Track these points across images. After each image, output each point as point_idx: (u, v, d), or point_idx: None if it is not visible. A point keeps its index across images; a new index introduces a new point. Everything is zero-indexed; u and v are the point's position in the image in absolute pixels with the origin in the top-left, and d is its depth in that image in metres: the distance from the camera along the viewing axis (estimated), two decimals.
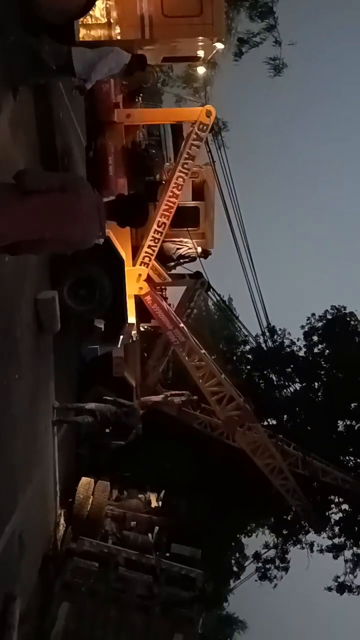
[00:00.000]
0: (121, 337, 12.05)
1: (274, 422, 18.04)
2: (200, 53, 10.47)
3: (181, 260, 13.03)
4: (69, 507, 11.72)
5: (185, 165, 10.91)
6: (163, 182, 11.54)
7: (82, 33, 9.41)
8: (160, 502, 13.09)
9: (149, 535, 11.75)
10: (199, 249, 13.02)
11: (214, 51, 10.39)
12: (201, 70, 14.03)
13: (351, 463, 18.14)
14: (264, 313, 14.99)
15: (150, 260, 11.40)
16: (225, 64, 18.63)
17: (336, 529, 18.04)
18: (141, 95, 12.52)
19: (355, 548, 18.07)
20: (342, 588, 18.18)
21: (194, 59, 11.04)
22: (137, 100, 12.71)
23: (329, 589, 18.40)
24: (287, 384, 19.21)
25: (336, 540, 18.14)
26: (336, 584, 18.24)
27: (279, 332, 19.48)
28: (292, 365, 19.21)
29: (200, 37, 9.73)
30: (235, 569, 20.14)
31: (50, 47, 7.46)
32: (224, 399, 13.09)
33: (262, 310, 14.57)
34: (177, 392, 14.81)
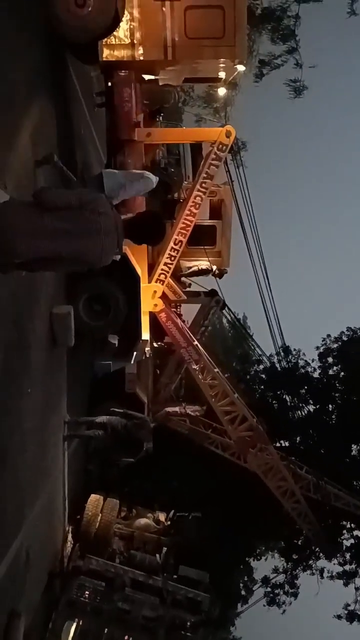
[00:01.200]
0: (134, 353, 12.02)
1: (287, 443, 17.81)
2: (222, 74, 10.55)
3: (196, 272, 12.93)
4: (77, 524, 11.62)
5: (203, 185, 10.94)
6: (181, 200, 11.58)
7: (106, 53, 9.56)
8: (169, 522, 12.93)
9: (157, 555, 11.59)
10: (214, 267, 13.02)
11: (235, 73, 10.46)
12: (222, 90, 14.15)
13: None
14: (279, 332, 14.88)
15: (166, 277, 11.40)
16: (245, 85, 18.82)
17: (347, 555, 17.65)
18: (162, 114, 12.64)
19: None
20: (352, 616, 17.74)
21: (215, 80, 11.13)
22: (157, 119, 12.83)
23: (339, 617, 17.96)
24: (300, 405, 19.00)
25: (347, 567, 17.75)
26: (346, 612, 17.82)
27: (294, 353, 19.35)
28: (306, 387, 19.01)
29: (222, 59, 9.81)
30: (243, 592, 19.77)
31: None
32: (236, 419, 12.95)
33: (278, 329, 14.47)
34: (192, 406, 14.70)
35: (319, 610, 20.12)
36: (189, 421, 15.15)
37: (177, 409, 14.45)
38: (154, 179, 8.99)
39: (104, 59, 9.41)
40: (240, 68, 10.11)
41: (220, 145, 10.78)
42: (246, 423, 12.99)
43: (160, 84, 11.02)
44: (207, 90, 20.70)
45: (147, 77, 10.37)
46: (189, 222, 10.98)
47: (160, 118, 13.19)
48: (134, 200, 10.18)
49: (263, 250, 12.36)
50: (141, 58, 9.39)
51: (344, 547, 17.66)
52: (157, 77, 10.58)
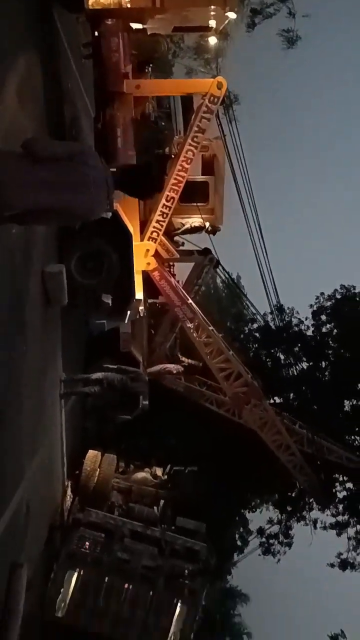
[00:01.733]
0: (128, 312, 12.03)
1: (280, 400, 18.09)
2: (212, 23, 10.19)
3: (189, 230, 12.76)
4: (76, 479, 11.89)
5: (195, 139, 10.71)
6: (172, 155, 11.36)
7: (92, 0, 9.21)
8: (166, 476, 13.23)
9: (155, 508, 11.91)
10: (207, 224, 12.87)
11: (226, 21, 10.12)
12: (213, 41, 13.68)
13: (357, 442, 18.21)
14: (274, 291, 14.86)
15: (158, 235, 11.29)
16: (237, 36, 18.23)
17: (340, 506, 18.20)
18: (151, 65, 12.27)
19: (358, 526, 18.24)
20: (344, 565, 18.43)
21: (206, 29, 10.76)
22: (146, 70, 12.47)
23: (332, 565, 18.67)
24: (294, 362, 19.21)
25: (340, 518, 18.34)
26: (339, 560, 18.49)
27: (287, 311, 19.43)
28: (299, 344, 19.19)
29: (212, 6, 9.48)
30: (239, 543, 20.43)
31: None
32: (231, 376, 13.07)
33: (272, 287, 14.45)
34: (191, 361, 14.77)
35: (313, 559, 20.82)
36: (184, 379, 15.31)
37: (172, 366, 14.53)
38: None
39: (90, 7, 9.07)
40: (232, 16, 9.78)
41: (212, 98, 10.52)
42: (241, 379, 13.13)
43: (149, 33, 10.67)
44: (197, 41, 20.01)
45: (135, 26, 10.01)
46: (180, 178, 10.80)
47: (150, 69, 12.80)
48: (124, 154, 10.00)
49: (257, 206, 12.23)
50: (129, 5, 9.07)
51: (337, 499, 18.17)
52: (145, 26, 10.23)
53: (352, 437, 18.26)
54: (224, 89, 10.63)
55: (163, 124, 11.13)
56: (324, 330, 19.50)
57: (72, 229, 11.05)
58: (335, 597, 42.52)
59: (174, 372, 14.00)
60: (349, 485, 18.10)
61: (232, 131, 11.52)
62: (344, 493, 18.30)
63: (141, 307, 12.96)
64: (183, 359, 14.64)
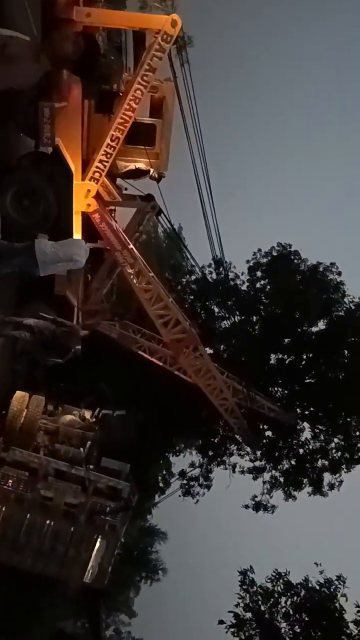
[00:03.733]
0: None
1: (211, 351, 18.55)
2: None
3: (133, 173, 12.42)
4: (2, 419, 11.82)
5: (144, 78, 10.31)
6: (120, 93, 10.91)
7: None
8: (94, 419, 13.41)
9: (81, 449, 12.11)
10: (152, 170, 12.58)
11: None
12: None
13: (278, 394, 19.13)
14: (219, 243, 14.80)
15: (100, 176, 10.94)
16: None
17: (258, 452, 19.23)
18: None
19: (274, 471, 19.41)
20: (258, 506, 19.64)
21: None
22: (98, 0, 11.71)
23: (246, 506, 19.83)
24: (227, 316, 19.66)
25: (257, 463, 19.43)
26: (253, 502, 19.67)
27: (225, 265, 19.65)
28: (233, 298, 19.59)
29: None
30: (161, 485, 21.27)
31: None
32: (170, 322, 13.17)
33: (217, 240, 14.40)
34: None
35: (229, 500, 22.05)
36: (118, 325, 15.31)
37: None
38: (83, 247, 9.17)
39: None
40: None
41: (165, 36, 10.11)
42: (179, 326, 13.27)
43: None
44: None
45: None
46: (127, 118, 10.44)
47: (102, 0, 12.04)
48: (69, 87, 9.53)
49: (206, 155, 12.01)
50: None
51: (265, 438, 19.04)
52: None
53: (275, 389, 19.16)
54: (178, 28, 10.23)
55: (112, 58, 10.60)
56: (257, 286, 19.96)
57: (8, 162, 10.56)
58: (246, 536, 45.47)
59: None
60: (268, 433, 19.10)
61: (184, 74, 11.16)
62: (264, 440, 19.31)
63: None
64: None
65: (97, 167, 10.77)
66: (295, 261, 19.55)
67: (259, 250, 19.99)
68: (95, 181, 10.88)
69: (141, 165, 12.25)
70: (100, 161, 10.71)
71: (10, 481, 10.81)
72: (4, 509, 10.80)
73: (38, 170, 10.16)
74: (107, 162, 10.76)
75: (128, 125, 10.52)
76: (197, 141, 11.73)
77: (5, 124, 10.34)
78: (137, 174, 12.34)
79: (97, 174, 10.83)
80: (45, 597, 14.67)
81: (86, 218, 11.52)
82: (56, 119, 9.28)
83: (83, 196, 10.91)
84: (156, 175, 12.29)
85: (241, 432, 16.56)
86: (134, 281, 12.44)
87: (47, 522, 11.04)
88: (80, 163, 10.74)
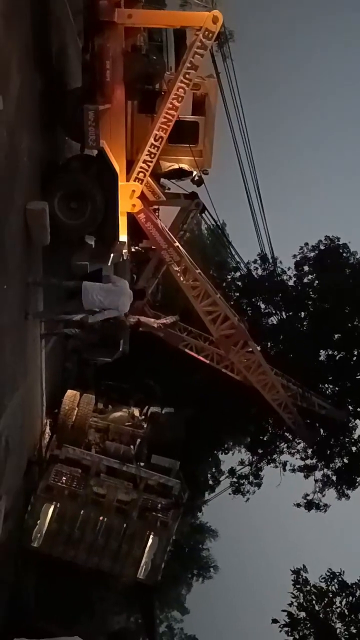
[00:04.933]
0: (112, 254, 11.90)
1: (258, 348, 18.36)
2: None
3: (176, 173, 12.42)
4: (54, 417, 12.10)
5: (187, 76, 10.26)
6: (163, 92, 10.94)
7: None
8: (143, 417, 13.54)
9: (131, 447, 12.25)
10: (195, 173, 12.56)
11: None
12: None
13: (329, 391, 18.75)
14: (267, 239, 14.55)
15: (145, 176, 10.98)
16: None
17: (309, 450, 18.92)
18: None
19: (325, 469, 19.06)
20: (310, 505, 19.33)
21: None
22: (139, 0, 11.78)
23: (298, 505, 19.56)
24: (274, 312, 19.42)
25: (308, 462, 19.12)
26: (305, 501, 19.38)
27: (271, 260, 19.44)
28: (280, 294, 19.34)
29: None
30: (211, 482, 21.27)
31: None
32: (218, 319, 13.12)
33: (266, 235, 14.15)
34: (165, 319, 14.80)
35: (280, 499, 21.82)
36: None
37: (150, 321, 14.56)
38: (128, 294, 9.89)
39: None
40: None
41: (206, 33, 10.02)
42: (228, 322, 13.19)
43: None
44: None
45: None
46: (170, 117, 10.42)
47: (143, 0, 12.10)
48: (112, 88, 9.62)
49: (252, 150, 11.90)
50: None
51: (320, 433, 18.69)
52: None
53: (325, 386, 18.78)
54: (220, 24, 10.11)
55: (154, 58, 10.59)
56: (305, 281, 19.63)
57: (56, 165, 10.79)
58: (299, 535, 44.92)
59: (154, 325, 13.97)
60: (320, 431, 18.74)
61: (227, 70, 11.10)
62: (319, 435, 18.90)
63: (125, 250, 12.82)
64: (163, 319, 14.57)
65: (141, 167, 10.82)
66: (344, 254, 19.11)
67: (306, 244, 19.67)
68: (140, 181, 10.94)
69: (184, 164, 12.27)
70: (145, 161, 10.75)
71: (64, 478, 11.05)
72: (58, 505, 11.04)
73: (85, 173, 10.30)
74: (151, 162, 10.79)
75: (171, 124, 10.50)
76: (242, 136, 11.62)
77: (53, 127, 10.57)
78: (180, 174, 12.35)
79: (141, 174, 10.88)
80: (99, 592, 14.95)
81: (131, 219, 11.62)
82: (100, 121, 9.40)
83: (128, 197, 10.98)
84: (198, 177, 12.26)
85: (296, 426, 16.31)
86: (181, 279, 12.44)
87: (100, 518, 11.22)
88: (124, 164, 10.82)
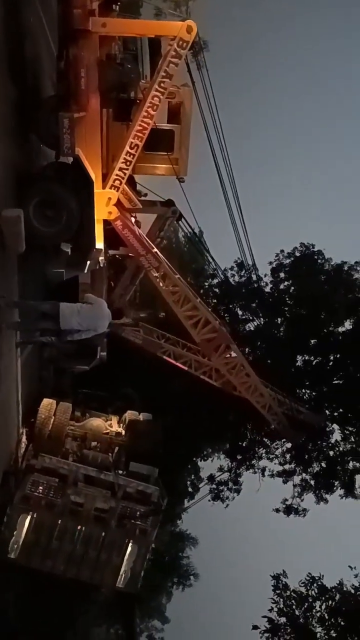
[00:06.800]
0: (88, 262, 11.87)
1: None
2: None
3: None
4: (31, 426, 11.96)
5: (162, 84, 10.35)
6: (138, 100, 11.00)
7: None
8: (121, 424, 13.48)
9: (109, 454, 12.18)
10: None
11: None
12: None
13: (306, 396, 18.94)
14: (248, 246, 14.71)
15: (121, 183, 11.01)
16: None
17: (287, 455, 19.06)
18: (118, 4, 11.65)
19: (304, 474, 19.20)
20: (289, 510, 19.45)
21: None
22: (114, 9, 11.84)
23: (277, 510, 19.66)
24: (251, 318, 19.57)
25: (287, 467, 19.24)
26: (284, 506, 19.49)
27: (247, 267, 19.61)
28: (257, 301, 19.51)
29: None
30: (190, 489, 21.24)
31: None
32: (199, 323, 13.15)
33: (246, 242, 14.32)
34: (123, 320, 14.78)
35: (259, 504, 21.88)
36: (142, 331, 15.39)
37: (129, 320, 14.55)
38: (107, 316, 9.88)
39: None
40: None
41: (181, 42, 10.14)
42: (209, 326, 13.25)
43: None
44: None
45: None
46: (146, 125, 10.49)
47: (117, 8, 12.16)
48: (87, 97, 9.64)
49: (229, 157, 12.02)
50: None
51: (285, 448, 18.93)
52: None
53: (302, 391, 18.97)
54: (194, 33, 10.24)
55: (129, 66, 10.65)
56: (281, 287, 19.85)
57: (31, 172, 10.74)
58: (278, 540, 45.01)
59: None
60: None
61: (202, 78, 11.19)
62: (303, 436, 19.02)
63: (101, 258, 12.80)
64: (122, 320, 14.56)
65: (117, 175, 10.85)
66: (319, 261, 19.40)
67: (282, 251, 19.91)
68: (116, 189, 10.96)
69: (161, 171, 12.34)
70: (120, 169, 10.78)
71: (41, 488, 10.90)
72: (35, 516, 10.89)
73: (60, 181, 10.28)
74: (126, 169, 10.83)
75: (147, 132, 10.57)
76: (219, 143, 11.74)
77: (27, 135, 10.53)
78: None
79: (117, 182, 10.91)
80: (79, 603, 14.77)
81: (107, 225, 11.60)
82: (75, 128, 9.40)
83: (104, 204, 10.99)
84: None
85: (280, 427, 16.39)
86: (160, 284, 12.46)
87: (79, 527, 11.10)
88: (100, 171, 10.84)
